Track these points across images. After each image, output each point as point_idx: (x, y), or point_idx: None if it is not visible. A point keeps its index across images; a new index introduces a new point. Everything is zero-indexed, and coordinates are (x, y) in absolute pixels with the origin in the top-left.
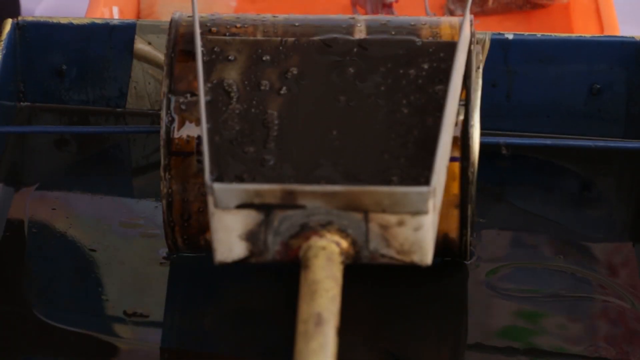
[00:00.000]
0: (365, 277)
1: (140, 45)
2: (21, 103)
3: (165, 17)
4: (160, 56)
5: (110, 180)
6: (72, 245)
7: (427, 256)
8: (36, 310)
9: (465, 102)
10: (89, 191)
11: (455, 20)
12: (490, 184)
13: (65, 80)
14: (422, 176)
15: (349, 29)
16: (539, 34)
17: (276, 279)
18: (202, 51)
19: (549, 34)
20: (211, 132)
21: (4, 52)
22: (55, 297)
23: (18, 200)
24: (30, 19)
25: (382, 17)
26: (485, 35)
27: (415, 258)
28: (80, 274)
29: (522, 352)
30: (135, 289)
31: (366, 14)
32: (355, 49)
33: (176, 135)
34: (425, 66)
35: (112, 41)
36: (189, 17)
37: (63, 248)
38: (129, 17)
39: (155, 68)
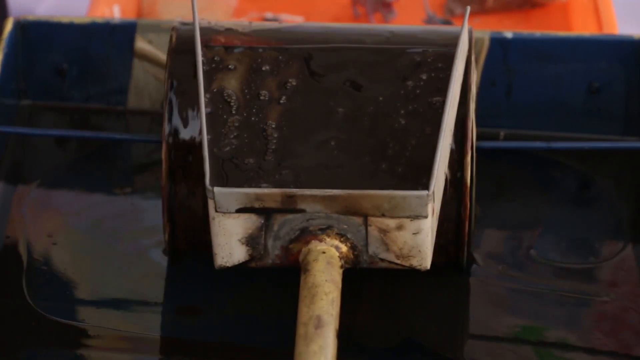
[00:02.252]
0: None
1: (141, 44)
2: (23, 101)
3: (166, 17)
4: (160, 55)
5: (110, 178)
6: (71, 242)
7: (426, 260)
8: (36, 304)
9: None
10: (89, 188)
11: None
12: (489, 181)
13: (67, 78)
14: (421, 181)
15: (350, 37)
16: (538, 33)
17: (277, 276)
18: (202, 60)
19: (548, 32)
20: (211, 143)
21: (5, 50)
22: (55, 291)
23: (19, 197)
24: (31, 18)
25: (382, 26)
26: (485, 34)
27: (414, 262)
28: (79, 270)
29: (522, 342)
30: (135, 283)
31: (366, 13)
32: (354, 59)
33: (178, 141)
34: (424, 76)
35: (113, 40)
36: (189, 25)
37: (62, 244)
38: (130, 16)
39: (156, 67)
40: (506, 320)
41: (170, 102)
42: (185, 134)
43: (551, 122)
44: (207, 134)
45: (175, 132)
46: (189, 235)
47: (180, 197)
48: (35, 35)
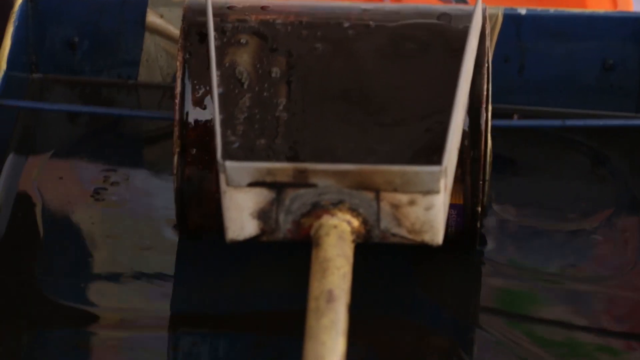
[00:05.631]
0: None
1: (152, 18)
2: (33, 75)
3: None
4: (172, 29)
5: (121, 152)
6: (81, 218)
7: (438, 236)
8: (42, 283)
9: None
10: (100, 162)
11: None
12: (502, 158)
13: (78, 52)
14: (434, 156)
15: (362, 15)
16: (551, 9)
17: (288, 253)
18: (214, 35)
19: (562, 9)
20: (223, 124)
21: (16, 24)
22: (64, 269)
23: (29, 171)
24: None
25: (395, 5)
26: (498, 10)
27: (426, 238)
28: (89, 247)
29: (527, 320)
30: (145, 260)
31: None
32: (366, 35)
33: (190, 116)
34: (437, 50)
35: (124, 14)
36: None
37: (73, 220)
38: None
39: (167, 41)
40: (513, 296)
41: (183, 77)
42: (197, 109)
43: (564, 99)
44: (219, 111)
45: (186, 107)
46: (200, 210)
47: (192, 171)
48: (46, 8)
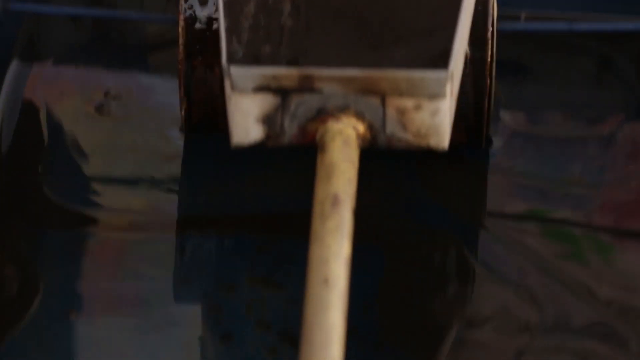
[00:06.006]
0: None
1: None
2: None
3: None
4: None
5: (125, 56)
6: (85, 121)
7: (443, 140)
8: (46, 186)
9: None
10: (104, 67)
11: None
12: (509, 63)
13: None
14: (440, 60)
15: None
16: None
17: (293, 157)
18: None
19: None
20: (229, 30)
21: None
22: (67, 172)
23: (33, 77)
24: None
25: None
26: None
27: (432, 142)
28: (92, 150)
29: (533, 222)
30: (150, 162)
31: None
32: None
33: (195, 16)
34: None
35: None
36: None
37: (77, 123)
38: None
39: None
40: (519, 199)
41: None
42: (202, 10)
43: (572, 2)
44: (224, 17)
45: (192, 8)
46: (206, 112)
47: (197, 73)
48: None
